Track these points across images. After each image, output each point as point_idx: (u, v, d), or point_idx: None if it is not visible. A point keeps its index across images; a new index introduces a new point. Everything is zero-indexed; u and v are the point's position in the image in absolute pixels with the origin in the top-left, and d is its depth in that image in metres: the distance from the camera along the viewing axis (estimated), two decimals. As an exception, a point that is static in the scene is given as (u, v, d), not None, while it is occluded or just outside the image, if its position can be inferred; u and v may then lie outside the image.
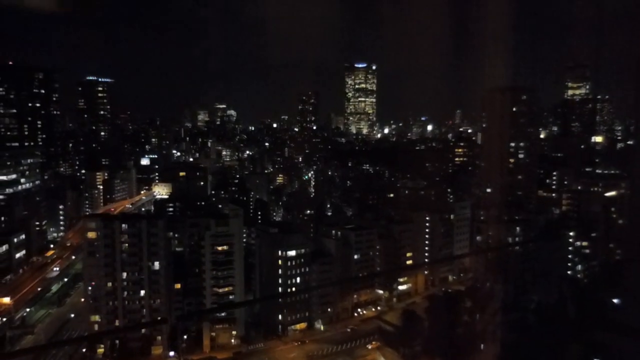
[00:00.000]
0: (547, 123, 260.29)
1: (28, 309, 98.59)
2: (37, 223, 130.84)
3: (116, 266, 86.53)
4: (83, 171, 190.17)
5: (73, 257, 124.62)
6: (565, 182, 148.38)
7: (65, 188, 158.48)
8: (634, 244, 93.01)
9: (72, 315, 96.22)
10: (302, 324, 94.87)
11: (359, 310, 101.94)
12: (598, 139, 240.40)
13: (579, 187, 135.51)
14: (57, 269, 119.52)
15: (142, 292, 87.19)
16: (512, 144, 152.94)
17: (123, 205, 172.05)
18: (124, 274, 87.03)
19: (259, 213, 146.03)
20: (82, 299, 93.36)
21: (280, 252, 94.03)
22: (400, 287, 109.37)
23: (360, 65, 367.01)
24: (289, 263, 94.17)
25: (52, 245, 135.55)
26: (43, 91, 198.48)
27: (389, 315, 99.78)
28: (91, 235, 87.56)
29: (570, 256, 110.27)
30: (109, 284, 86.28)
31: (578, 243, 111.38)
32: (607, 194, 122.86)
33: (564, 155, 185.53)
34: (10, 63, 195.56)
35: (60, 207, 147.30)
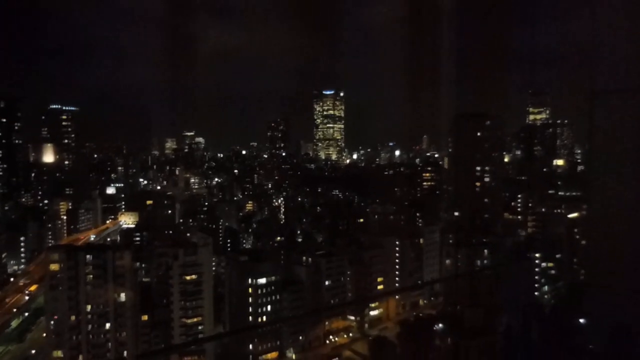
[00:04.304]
0: (510, 147, 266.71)
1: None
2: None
3: (80, 299, 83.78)
4: (46, 201, 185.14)
5: (34, 290, 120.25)
6: (530, 205, 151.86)
7: (27, 219, 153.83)
8: (594, 269, 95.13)
9: (33, 352, 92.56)
10: (273, 354, 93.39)
11: (330, 337, 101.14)
12: (559, 162, 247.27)
13: (543, 209, 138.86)
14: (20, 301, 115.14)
15: (108, 325, 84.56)
16: (478, 168, 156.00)
17: (88, 235, 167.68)
18: (89, 307, 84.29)
19: (229, 241, 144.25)
20: (44, 334, 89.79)
21: (250, 281, 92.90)
22: (372, 313, 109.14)
23: (328, 92, 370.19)
24: (259, 291, 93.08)
25: (12, 279, 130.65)
26: (4, 120, 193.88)
27: (361, 342, 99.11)
28: (54, 267, 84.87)
29: (537, 277, 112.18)
30: (73, 318, 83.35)
31: (544, 264, 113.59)
32: (570, 216, 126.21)
33: (528, 179, 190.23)
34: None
35: (22, 238, 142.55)
